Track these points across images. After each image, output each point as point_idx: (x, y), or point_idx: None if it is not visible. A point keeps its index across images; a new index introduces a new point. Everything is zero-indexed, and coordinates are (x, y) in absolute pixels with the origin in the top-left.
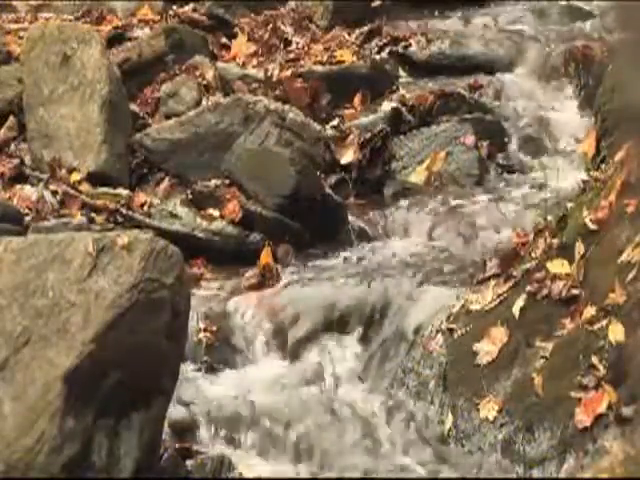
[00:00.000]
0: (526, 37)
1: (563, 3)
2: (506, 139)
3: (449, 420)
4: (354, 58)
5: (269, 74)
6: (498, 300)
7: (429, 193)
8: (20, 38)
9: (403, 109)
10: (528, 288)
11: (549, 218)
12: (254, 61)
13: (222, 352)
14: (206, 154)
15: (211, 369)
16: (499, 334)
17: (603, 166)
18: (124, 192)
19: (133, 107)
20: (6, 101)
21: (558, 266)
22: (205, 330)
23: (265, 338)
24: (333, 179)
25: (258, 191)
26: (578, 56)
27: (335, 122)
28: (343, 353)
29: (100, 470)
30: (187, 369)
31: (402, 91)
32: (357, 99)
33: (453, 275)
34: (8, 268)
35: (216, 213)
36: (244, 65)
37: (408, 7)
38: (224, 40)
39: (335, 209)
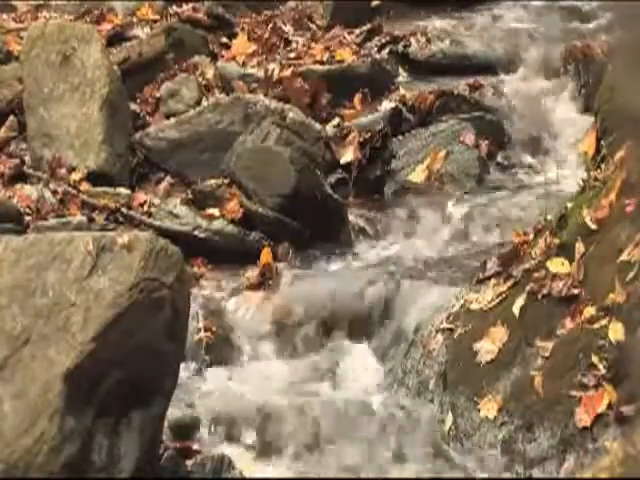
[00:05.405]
0: (526, 37)
1: (563, 3)
2: (506, 138)
3: (449, 419)
4: (354, 58)
5: (269, 73)
6: (498, 299)
7: (429, 192)
8: (20, 37)
9: (403, 108)
10: (528, 287)
11: (549, 218)
12: (254, 60)
13: (222, 352)
14: (206, 153)
15: (211, 369)
16: (499, 333)
17: (603, 166)
18: (124, 192)
19: (133, 107)
20: (6, 101)
21: (558, 265)
22: (205, 330)
23: (265, 338)
24: (333, 178)
25: (258, 190)
26: (578, 55)
27: (335, 121)
28: (343, 353)
29: (100, 470)
30: (187, 369)
31: (402, 91)
32: (357, 98)
33: (453, 275)
34: (8, 268)
35: (216, 212)
36: (244, 64)
37: (408, 7)
38: (224, 39)
39: (335, 208)
